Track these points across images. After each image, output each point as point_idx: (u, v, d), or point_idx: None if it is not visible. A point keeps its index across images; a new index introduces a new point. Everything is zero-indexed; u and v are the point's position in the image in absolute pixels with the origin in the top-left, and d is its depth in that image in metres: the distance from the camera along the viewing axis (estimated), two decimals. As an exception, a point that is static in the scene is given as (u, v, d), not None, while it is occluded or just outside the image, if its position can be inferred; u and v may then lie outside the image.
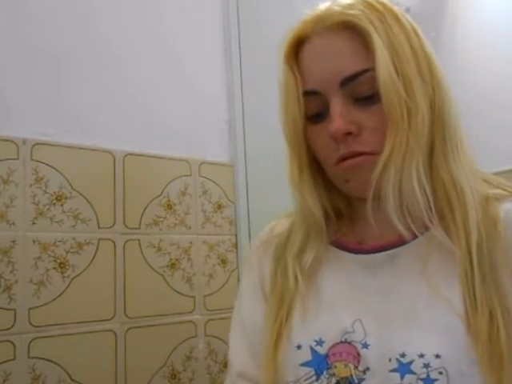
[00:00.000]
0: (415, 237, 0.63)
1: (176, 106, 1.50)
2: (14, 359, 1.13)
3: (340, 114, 0.62)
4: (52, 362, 1.18)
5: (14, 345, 1.13)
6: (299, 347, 0.65)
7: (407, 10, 2.28)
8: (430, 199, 0.61)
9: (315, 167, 0.70)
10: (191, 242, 1.46)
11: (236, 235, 1.56)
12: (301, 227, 0.72)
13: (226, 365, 0.80)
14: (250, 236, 1.56)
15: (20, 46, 1.25)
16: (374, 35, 0.60)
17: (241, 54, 1.66)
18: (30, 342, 1.16)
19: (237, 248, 1.55)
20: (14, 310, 1.15)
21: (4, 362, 1.12)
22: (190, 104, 1.53)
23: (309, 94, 0.65)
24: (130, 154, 1.38)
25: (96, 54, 1.37)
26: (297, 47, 0.67)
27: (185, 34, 1.56)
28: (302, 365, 0.64)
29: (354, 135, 0.62)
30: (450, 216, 0.62)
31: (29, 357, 1.15)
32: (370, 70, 0.60)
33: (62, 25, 1.32)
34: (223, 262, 1.51)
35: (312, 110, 0.66)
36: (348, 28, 0.62)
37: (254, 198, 1.60)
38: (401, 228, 0.61)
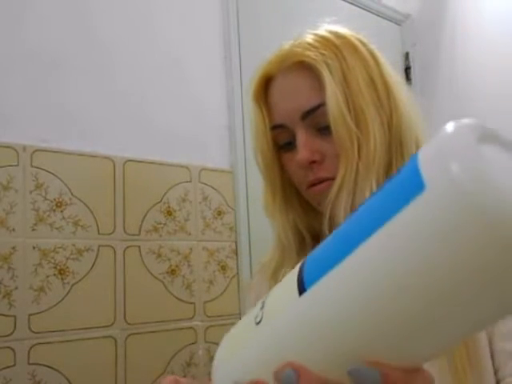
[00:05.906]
0: None
1: (176, 112, 1.51)
2: (14, 365, 1.13)
3: (304, 144, 0.67)
4: (52, 368, 1.18)
5: (14, 351, 1.14)
6: None
7: (407, 16, 2.30)
8: None
9: (294, 191, 0.74)
10: (191, 249, 1.46)
11: (236, 242, 1.56)
12: (276, 249, 0.76)
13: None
14: (249, 242, 1.56)
15: (19, 53, 1.25)
16: (326, 74, 0.65)
17: (241, 60, 1.66)
18: (30, 348, 1.16)
19: (237, 254, 1.55)
20: (14, 316, 1.15)
21: (4, 368, 1.12)
22: (190, 110, 1.54)
23: (277, 127, 0.71)
24: (130, 161, 1.38)
25: (95, 60, 1.38)
26: (266, 84, 0.73)
27: (185, 40, 1.56)
28: None
29: (319, 163, 0.68)
30: None
31: (29, 363, 1.15)
32: (324, 105, 0.66)
33: (61, 31, 1.33)
34: (223, 268, 1.51)
35: (283, 140, 0.72)
36: (305, 67, 0.68)
37: (254, 204, 1.60)
38: None
